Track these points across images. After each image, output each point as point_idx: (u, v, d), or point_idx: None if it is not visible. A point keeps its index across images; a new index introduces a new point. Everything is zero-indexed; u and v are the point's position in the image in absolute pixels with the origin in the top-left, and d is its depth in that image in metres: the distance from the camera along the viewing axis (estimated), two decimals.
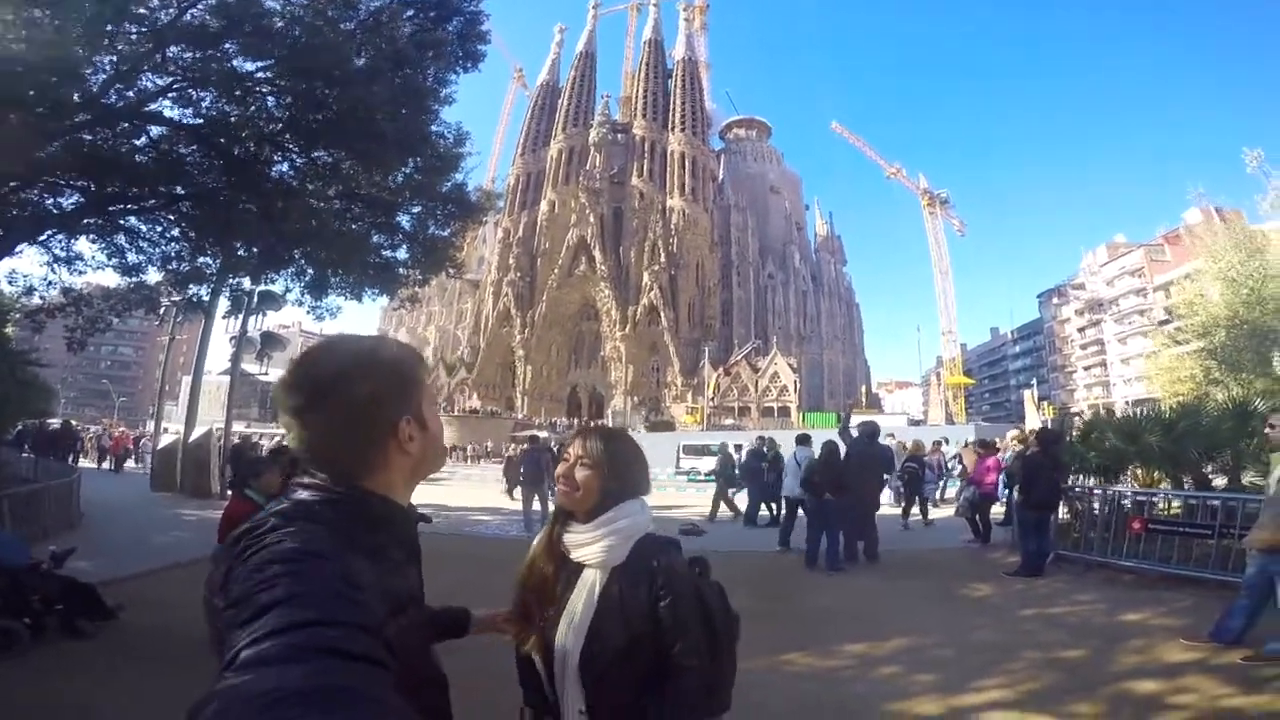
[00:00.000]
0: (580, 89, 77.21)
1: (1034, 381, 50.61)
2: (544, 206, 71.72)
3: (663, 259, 65.63)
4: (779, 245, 77.59)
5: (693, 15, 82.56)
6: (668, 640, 1.31)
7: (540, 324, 66.51)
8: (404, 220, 11.33)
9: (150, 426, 31.95)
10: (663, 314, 64.33)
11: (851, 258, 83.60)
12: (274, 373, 16.54)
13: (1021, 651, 4.47)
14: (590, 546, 1.36)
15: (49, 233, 10.25)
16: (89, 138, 9.42)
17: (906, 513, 10.64)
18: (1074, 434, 8.75)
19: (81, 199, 10.49)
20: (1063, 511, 7.41)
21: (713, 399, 57.85)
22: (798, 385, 60.67)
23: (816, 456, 7.76)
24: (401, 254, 11.80)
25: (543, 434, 20.89)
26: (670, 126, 72.49)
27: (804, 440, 8.95)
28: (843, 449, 7.98)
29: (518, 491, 12.57)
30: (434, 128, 10.05)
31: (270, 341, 16.08)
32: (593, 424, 4.76)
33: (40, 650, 4.42)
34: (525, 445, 14.15)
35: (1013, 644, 4.65)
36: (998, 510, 8.74)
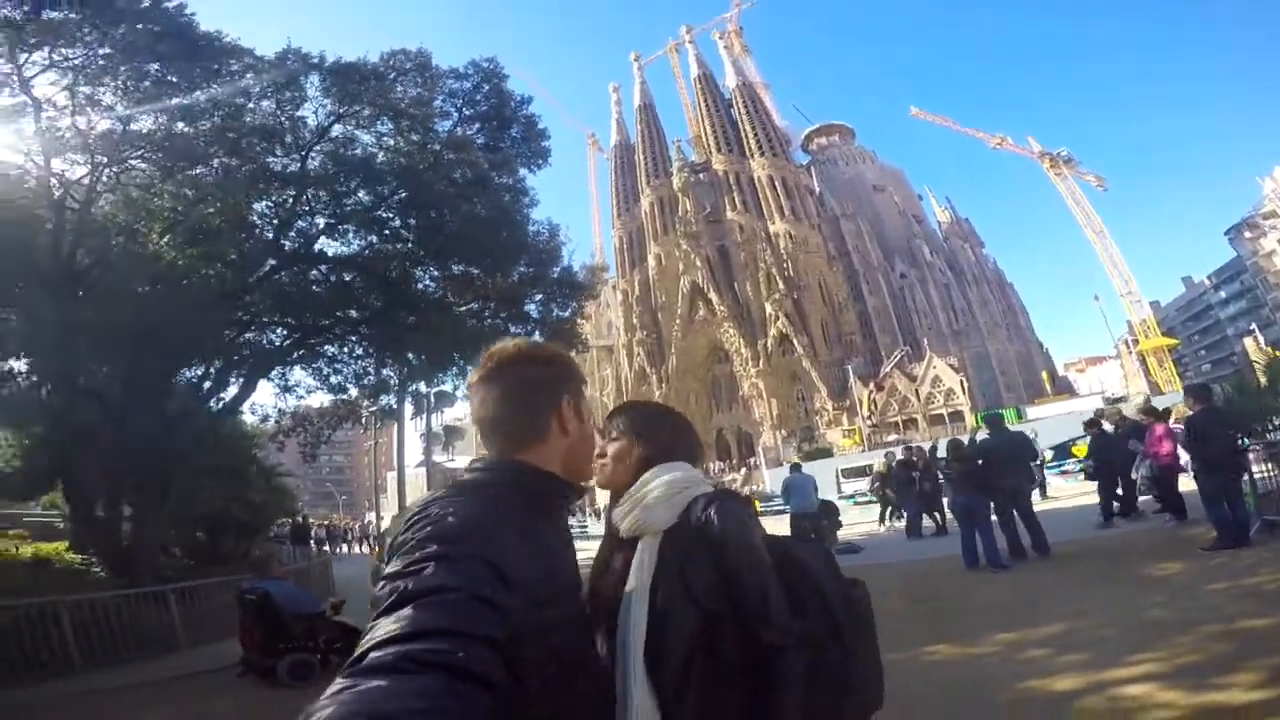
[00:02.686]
0: (651, 140, 79.66)
1: (1254, 326, 41.66)
2: (651, 262, 74.23)
3: (781, 286, 64.62)
4: (903, 242, 73.02)
5: (730, 41, 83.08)
6: (745, 612, 1.04)
7: (674, 375, 67.97)
8: (531, 309, 12.99)
9: (369, 516, 38.17)
10: (795, 341, 62.78)
11: (993, 242, 76.13)
12: (459, 459, 19.31)
13: (1198, 626, 4.11)
14: (630, 512, 1.17)
15: (275, 369, 13.11)
16: (278, 278, 11.72)
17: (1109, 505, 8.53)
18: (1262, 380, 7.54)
19: (286, 335, 13.35)
20: (1267, 469, 6.43)
21: (869, 417, 54.57)
22: (965, 385, 55.31)
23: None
24: (536, 334, 13.45)
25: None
26: (748, 154, 72.47)
27: (795, 469, 9.38)
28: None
29: None
30: (531, 228, 11.74)
31: (451, 433, 18.80)
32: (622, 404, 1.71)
33: (326, 678, 5.91)
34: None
35: (1188, 619, 4.27)
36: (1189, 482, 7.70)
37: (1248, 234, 65.80)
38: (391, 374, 16.23)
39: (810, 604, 1.09)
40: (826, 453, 45.71)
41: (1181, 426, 6.91)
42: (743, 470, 54.35)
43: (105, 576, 9.35)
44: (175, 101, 9.86)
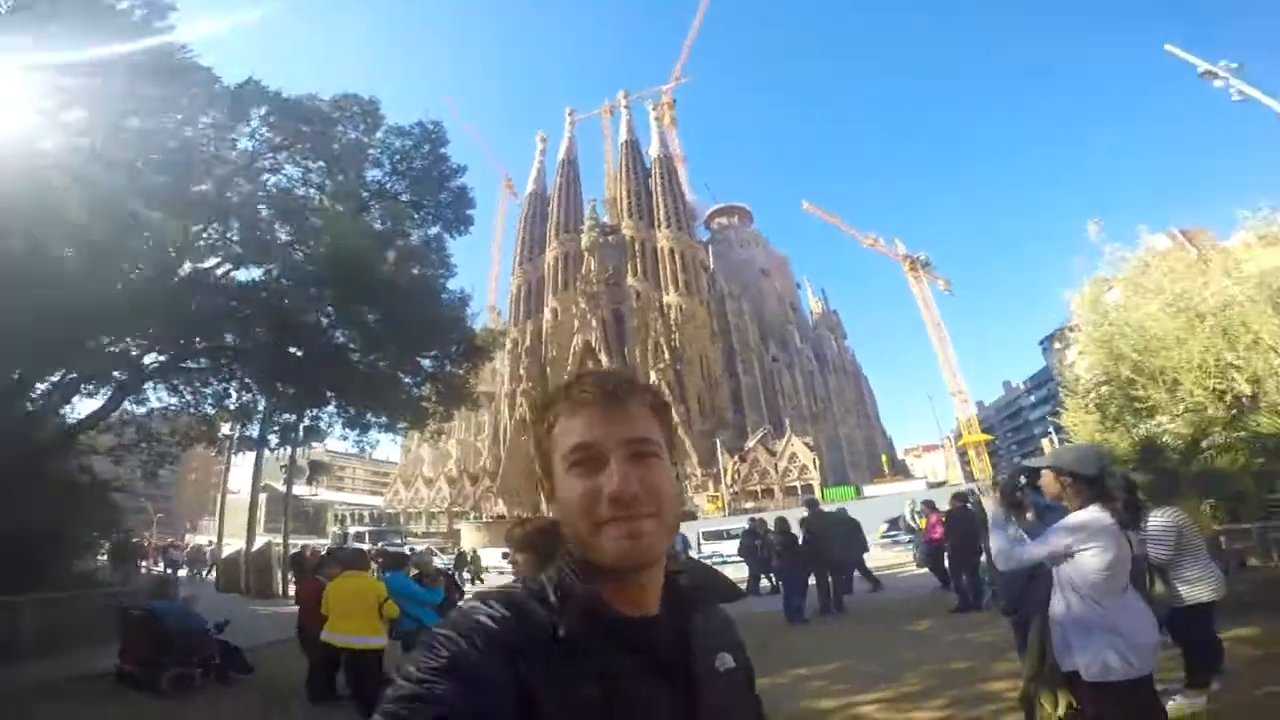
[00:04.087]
0: (567, 195, 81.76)
1: (1051, 429, 50.49)
2: (547, 314, 75.07)
3: (667, 355, 68.06)
4: (778, 327, 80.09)
5: (662, 112, 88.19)
6: None
7: None
8: (425, 362, 13.28)
9: (187, 538, 33.78)
10: (673, 410, 65.34)
11: (854, 331, 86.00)
12: (323, 493, 18.41)
13: (925, 665, 5.66)
14: None
15: (144, 385, 12.23)
16: (172, 298, 11.34)
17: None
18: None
19: (162, 352, 12.47)
20: None
21: (732, 485, 57.95)
22: (817, 463, 60.72)
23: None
24: (425, 390, 13.63)
25: None
26: (656, 224, 76.55)
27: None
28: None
29: None
30: (444, 296, 12.35)
31: (318, 468, 18.02)
32: (510, 530, 2.30)
33: (206, 690, 6.41)
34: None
35: (921, 660, 5.84)
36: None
37: (1057, 344, 78.66)
38: (256, 400, 15.52)
39: None
40: (691, 515, 47.85)
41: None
42: None
43: None
44: (122, 99, 9.63)
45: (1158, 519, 4.08)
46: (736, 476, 59.73)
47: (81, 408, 12.91)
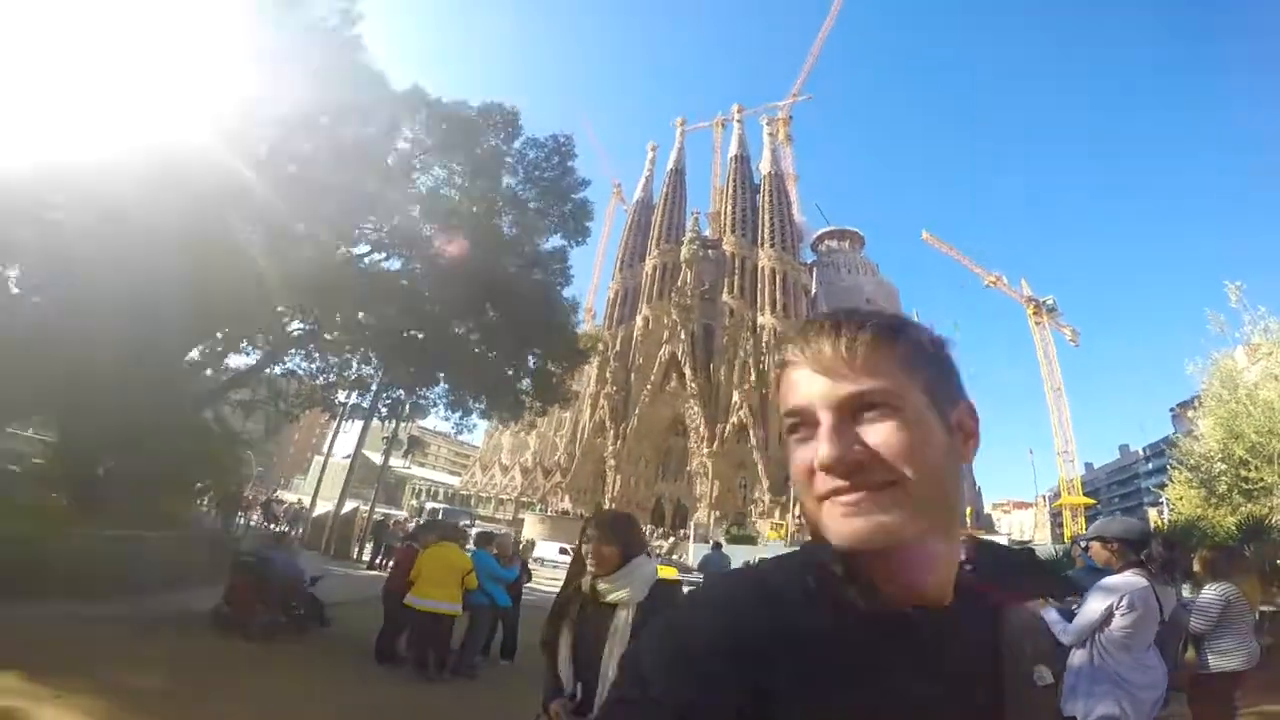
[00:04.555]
0: (672, 205, 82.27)
1: (1164, 499, 45.42)
2: (639, 322, 76.22)
3: (753, 377, 67.33)
4: None
5: (776, 128, 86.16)
6: None
7: (632, 437, 69.08)
8: (530, 359, 14.40)
9: (279, 494, 37.65)
10: (752, 433, 65.02)
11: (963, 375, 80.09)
12: (416, 469, 20.16)
13: None
14: (620, 590, 1.96)
15: (290, 350, 14.05)
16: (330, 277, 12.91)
17: None
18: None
19: (307, 326, 14.26)
20: None
21: (799, 516, 56.46)
22: None
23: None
24: (525, 385, 14.73)
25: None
26: (760, 242, 75.58)
27: (716, 547, 10.98)
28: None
29: None
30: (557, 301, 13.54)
31: (415, 444, 19.85)
32: (598, 512, 2.53)
33: (287, 638, 7.16)
34: None
35: None
36: None
37: (1191, 412, 70.24)
38: (374, 374, 17.38)
39: None
40: (751, 539, 47.32)
41: None
42: (671, 539, 55.15)
43: (68, 509, 9.16)
44: (310, 99, 11.13)
45: (1209, 592, 4.14)
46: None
47: (232, 364, 15.00)
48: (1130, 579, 2.86)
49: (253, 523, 23.66)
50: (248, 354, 14.39)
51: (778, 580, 0.64)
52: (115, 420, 9.10)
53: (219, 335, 13.02)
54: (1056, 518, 60.99)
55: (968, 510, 66.06)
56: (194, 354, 12.90)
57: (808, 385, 0.63)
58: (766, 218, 76.95)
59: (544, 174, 13.68)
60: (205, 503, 15.74)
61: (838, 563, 0.61)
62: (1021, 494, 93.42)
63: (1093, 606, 2.90)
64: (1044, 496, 67.70)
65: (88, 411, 9.45)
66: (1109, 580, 2.93)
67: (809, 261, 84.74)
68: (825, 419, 0.61)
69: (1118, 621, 2.79)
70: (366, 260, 13.35)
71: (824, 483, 0.60)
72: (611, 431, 70.67)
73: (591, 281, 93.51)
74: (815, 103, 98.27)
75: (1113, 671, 2.78)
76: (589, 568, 2.03)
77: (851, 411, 0.61)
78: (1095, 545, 3.14)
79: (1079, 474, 68.21)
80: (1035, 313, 71.72)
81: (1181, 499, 10.68)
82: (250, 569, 7.18)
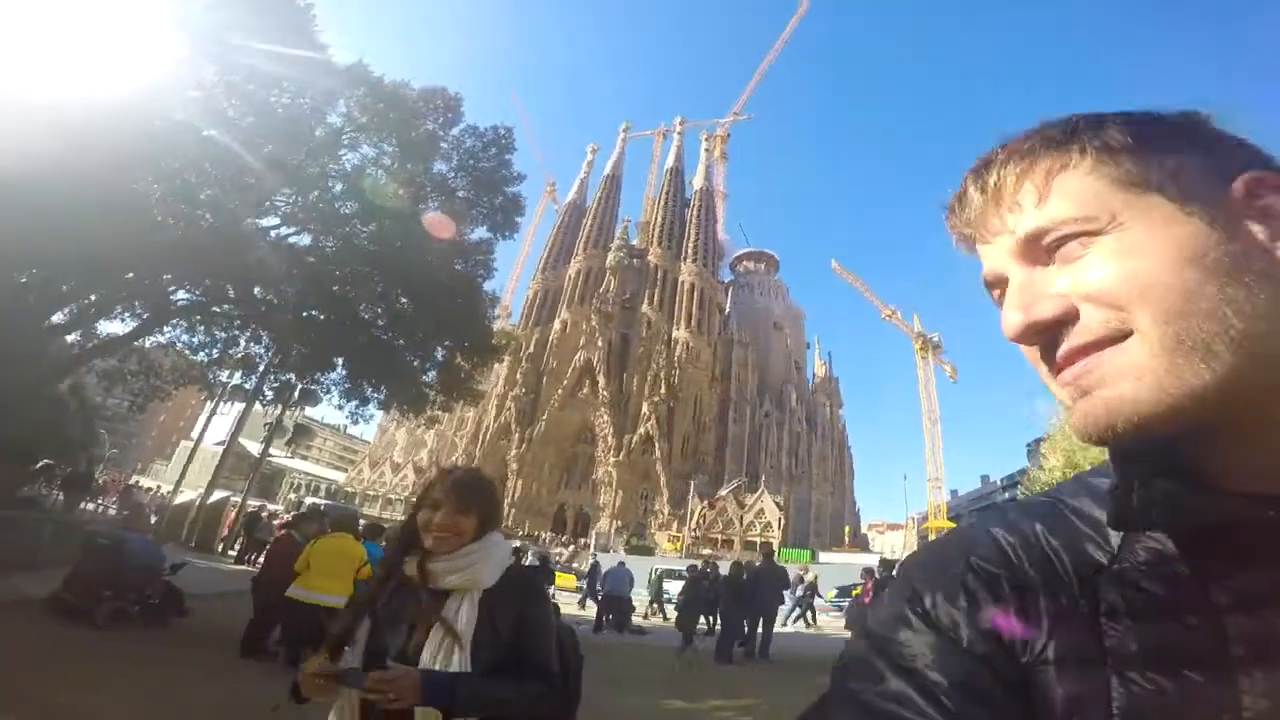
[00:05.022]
0: (604, 210, 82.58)
1: None
2: (557, 325, 75.68)
3: (663, 390, 68.71)
4: (778, 384, 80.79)
5: (714, 145, 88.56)
6: (526, 645, 1.44)
7: (538, 441, 68.27)
8: (439, 351, 13.95)
9: (135, 479, 33.66)
10: (657, 445, 66.21)
11: (846, 398, 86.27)
12: (298, 461, 18.79)
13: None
14: (465, 572, 1.46)
15: (196, 326, 13.03)
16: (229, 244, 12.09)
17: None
18: None
19: (196, 296, 13.12)
20: None
21: (695, 530, 58.12)
22: (782, 523, 60.95)
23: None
24: (431, 378, 14.28)
25: (516, 543, 23.33)
26: (683, 256, 77.27)
27: (620, 565, 12.31)
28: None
29: None
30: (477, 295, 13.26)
31: (301, 432, 18.50)
32: (452, 467, 1.71)
33: (139, 628, 6.59)
34: None
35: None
36: None
37: (1042, 449, 79.32)
38: (263, 354, 16.15)
39: (566, 660, 1.58)
40: (649, 551, 48.20)
41: None
42: (571, 547, 54.88)
43: None
44: (248, 63, 10.49)
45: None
46: (702, 521, 59.91)
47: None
48: None
49: (101, 509, 21.08)
50: (121, 320, 12.96)
51: (1066, 509, 0.51)
52: None
53: (91, 298, 11.63)
54: (925, 538, 66.75)
55: (847, 529, 70.95)
56: (58, 316, 11.46)
57: (981, 230, 0.49)
58: (693, 232, 78.89)
59: (479, 164, 13.46)
60: (50, 482, 13.93)
61: (1121, 470, 0.45)
62: (894, 516, 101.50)
63: None
64: (913, 519, 73.97)
65: None
66: None
67: (726, 280, 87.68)
68: (1013, 273, 0.47)
69: None
70: (273, 233, 12.56)
71: (1041, 367, 0.46)
72: (517, 435, 69.42)
73: (511, 280, 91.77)
74: (753, 123, 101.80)
75: None
76: (427, 543, 1.48)
77: (1034, 259, 0.46)
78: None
79: (945, 499, 75.14)
80: (922, 348, 78.20)
81: None
82: (103, 552, 6.58)
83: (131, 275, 10.85)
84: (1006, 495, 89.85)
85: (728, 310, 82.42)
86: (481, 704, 1.32)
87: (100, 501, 21.25)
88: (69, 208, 8.40)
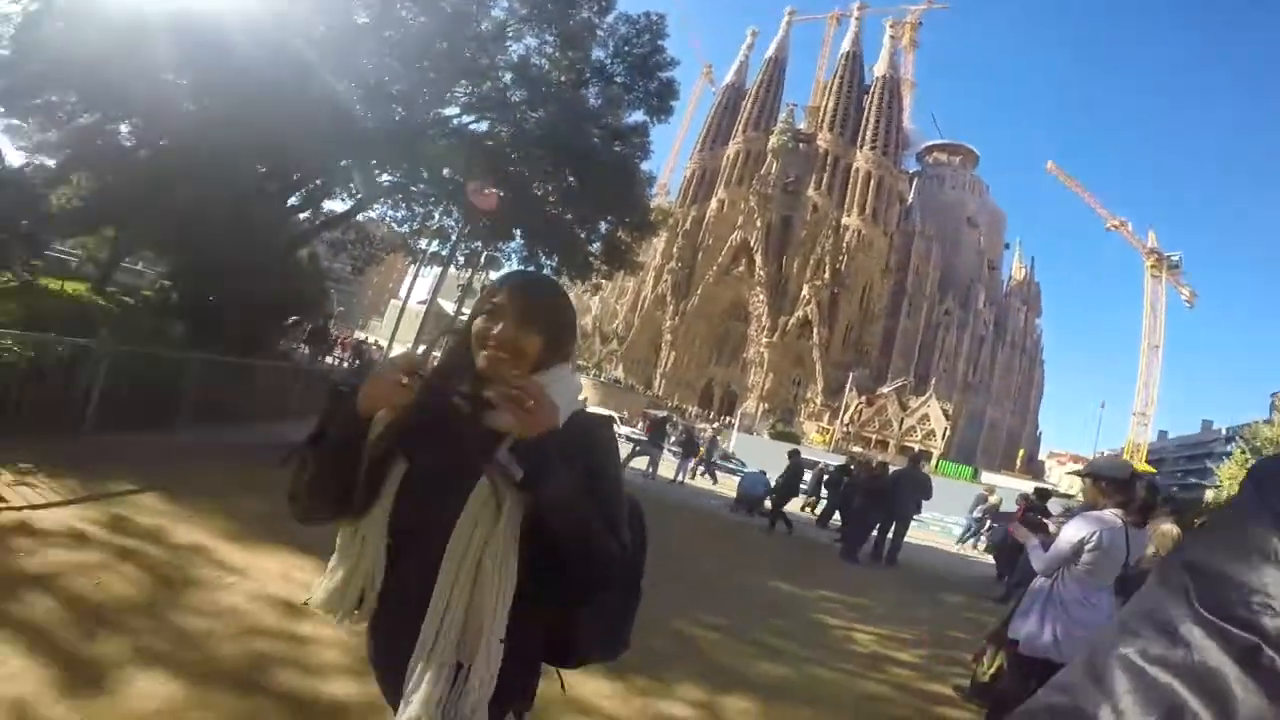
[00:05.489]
0: (766, 94, 78.39)
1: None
2: (714, 204, 74.31)
3: (827, 275, 65.14)
4: (965, 282, 72.64)
5: (901, 32, 79.56)
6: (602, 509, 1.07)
7: (691, 314, 69.67)
8: (603, 225, 14.99)
9: (357, 334, 40.75)
10: (816, 330, 64.15)
11: (1047, 311, 75.81)
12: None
13: (928, 625, 6.49)
14: None
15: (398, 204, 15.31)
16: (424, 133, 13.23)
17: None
18: None
19: (397, 179, 15.15)
20: None
21: (848, 425, 57.09)
22: (947, 433, 57.52)
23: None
24: (595, 248, 15.52)
25: (661, 413, 26.23)
26: (859, 143, 71.08)
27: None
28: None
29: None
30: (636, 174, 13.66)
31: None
32: (522, 273, 1.52)
33: None
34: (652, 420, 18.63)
35: (930, 621, 6.67)
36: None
37: None
38: (453, 225, 18.14)
39: (634, 522, 1.19)
40: (795, 439, 48.50)
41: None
42: (715, 424, 57.52)
43: (185, 336, 9.54)
44: None
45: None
46: (857, 417, 58.50)
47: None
48: (1107, 516, 2.92)
49: (337, 361, 25.43)
50: (342, 200, 15.36)
51: None
52: (222, 256, 9.87)
53: (318, 183, 13.86)
54: None
55: (1021, 453, 64.81)
56: (293, 199, 13.89)
57: None
58: (872, 119, 71.64)
59: (633, 50, 13.55)
60: (295, 337, 17.10)
61: None
62: (1079, 448, 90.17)
63: (1065, 537, 2.96)
64: (1103, 454, 65.14)
65: (198, 248, 10.35)
66: (1087, 514, 3.01)
67: (910, 171, 79.24)
68: None
69: (1084, 555, 2.88)
70: (455, 122, 13.75)
71: None
72: (671, 306, 71.45)
73: (669, 159, 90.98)
74: (950, 12, 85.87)
75: (1060, 598, 2.91)
76: (480, 364, 1.12)
77: None
78: (1086, 482, 3.18)
79: (1150, 439, 64.93)
80: (1154, 266, 66.03)
81: (1233, 479, 10.16)
82: (347, 397, 7.94)
83: (345, 163, 12.62)
84: (1229, 448, 74.84)
85: (910, 201, 74.00)
86: (568, 508, 1.02)
87: (336, 354, 25.87)
88: (292, 110, 9.91)
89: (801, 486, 13.28)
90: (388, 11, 11.43)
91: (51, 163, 13.31)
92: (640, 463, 14.75)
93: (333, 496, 1.11)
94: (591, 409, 1.25)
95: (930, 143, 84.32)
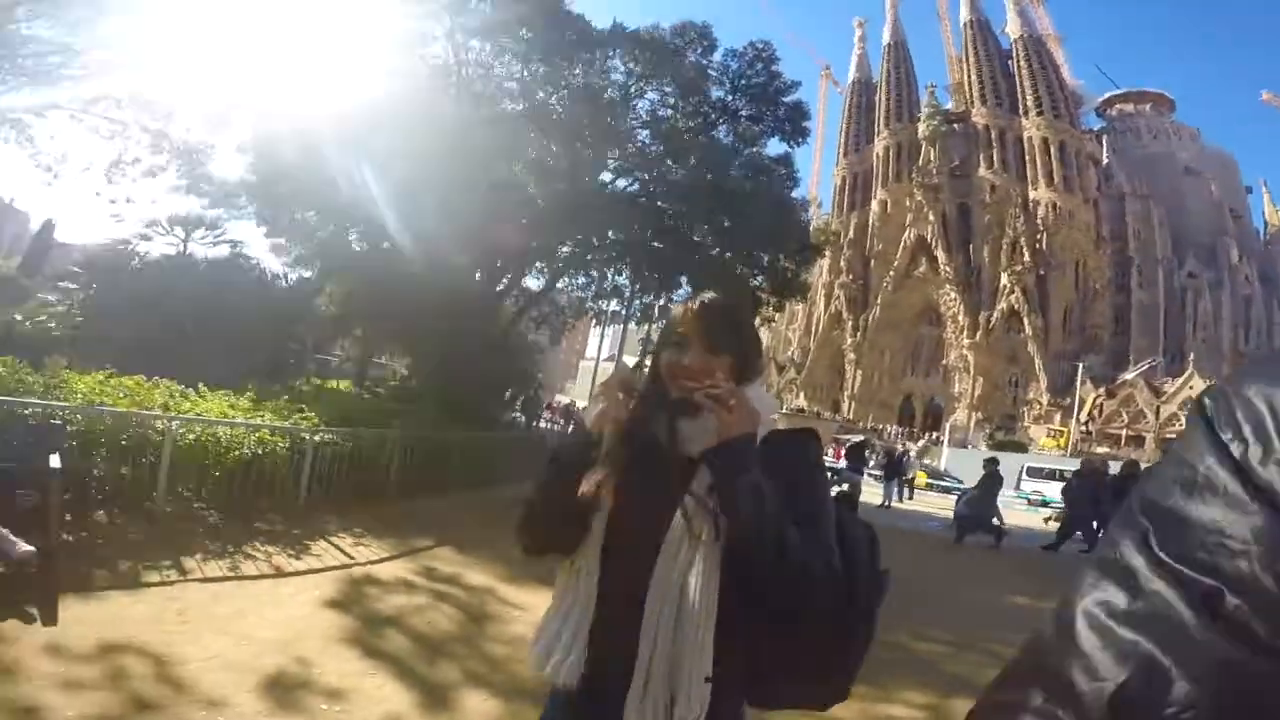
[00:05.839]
0: (896, 81, 72.86)
1: None
2: (874, 207, 69.95)
3: (1026, 258, 57.18)
4: (1205, 238, 59.31)
5: None
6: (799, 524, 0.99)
7: (874, 328, 65.26)
8: (765, 256, 15.18)
9: (557, 397, 44.83)
10: (1026, 320, 56.18)
11: None
12: None
13: None
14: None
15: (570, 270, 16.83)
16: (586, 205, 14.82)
17: None
18: None
19: (573, 247, 16.84)
20: None
21: (1086, 422, 48.31)
22: None
23: None
24: (761, 281, 15.67)
25: (857, 437, 25.36)
26: (1022, 110, 62.96)
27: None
28: None
29: None
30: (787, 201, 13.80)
31: None
32: (699, 297, 1.19)
33: None
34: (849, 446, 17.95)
35: None
36: None
37: None
38: (625, 283, 19.49)
39: (855, 558, 1.08)
40: (1021, 447, 42.33)
41: None
42: (921, 441, 52.28)
43: (439, 417, 10.81)
44: (537, 54, 13.25)
45: None
46: (1097, 413, 49.37)
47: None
48: None
49: (549, 424, 27.99)
50: (536, 279, 17.54)
51: None
52: (449, 345, 11.81)
53: (515, 268, 15.94)
54: None
55: None
56: (501, 283, 16.05)
57: None
58: (1027, 84, 63.79)
59: (750, 82, 14.17)
60: (511, 407, 19.64)
61: None
62: None
63: None
64: None
65: (429, 340, 12.48)
66: None
67: (1095, 129, 68.58)
68: None
69: None
70: (610, 187, 15.12)
71: None
72: (850, 323, 67.73)
73: (812, 171, 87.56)
74: None
75: None
76: (676, 393, 1.09)
77: None
78: None
79: None
80: None
81: None
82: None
83: (535, 243, 14.44)
84: None
85: (1106, 161, 63.43)
86: (762, 520, 0.98)
87: (546, 417, 28.62)
88: (485, 208, 11.82)
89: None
90: (530, 103, 13.22)
91: (309, 274, 16.85)
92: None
93: (558, 522, 1.12)
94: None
95: (1107, 94, 72.71)
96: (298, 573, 4.52)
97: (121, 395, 5.41)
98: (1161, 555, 0.33)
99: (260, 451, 5.75)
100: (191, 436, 5.26)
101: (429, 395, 12.36)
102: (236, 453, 5.55)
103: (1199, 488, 0.34)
